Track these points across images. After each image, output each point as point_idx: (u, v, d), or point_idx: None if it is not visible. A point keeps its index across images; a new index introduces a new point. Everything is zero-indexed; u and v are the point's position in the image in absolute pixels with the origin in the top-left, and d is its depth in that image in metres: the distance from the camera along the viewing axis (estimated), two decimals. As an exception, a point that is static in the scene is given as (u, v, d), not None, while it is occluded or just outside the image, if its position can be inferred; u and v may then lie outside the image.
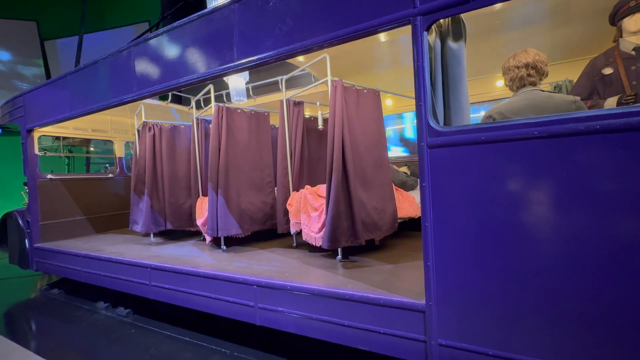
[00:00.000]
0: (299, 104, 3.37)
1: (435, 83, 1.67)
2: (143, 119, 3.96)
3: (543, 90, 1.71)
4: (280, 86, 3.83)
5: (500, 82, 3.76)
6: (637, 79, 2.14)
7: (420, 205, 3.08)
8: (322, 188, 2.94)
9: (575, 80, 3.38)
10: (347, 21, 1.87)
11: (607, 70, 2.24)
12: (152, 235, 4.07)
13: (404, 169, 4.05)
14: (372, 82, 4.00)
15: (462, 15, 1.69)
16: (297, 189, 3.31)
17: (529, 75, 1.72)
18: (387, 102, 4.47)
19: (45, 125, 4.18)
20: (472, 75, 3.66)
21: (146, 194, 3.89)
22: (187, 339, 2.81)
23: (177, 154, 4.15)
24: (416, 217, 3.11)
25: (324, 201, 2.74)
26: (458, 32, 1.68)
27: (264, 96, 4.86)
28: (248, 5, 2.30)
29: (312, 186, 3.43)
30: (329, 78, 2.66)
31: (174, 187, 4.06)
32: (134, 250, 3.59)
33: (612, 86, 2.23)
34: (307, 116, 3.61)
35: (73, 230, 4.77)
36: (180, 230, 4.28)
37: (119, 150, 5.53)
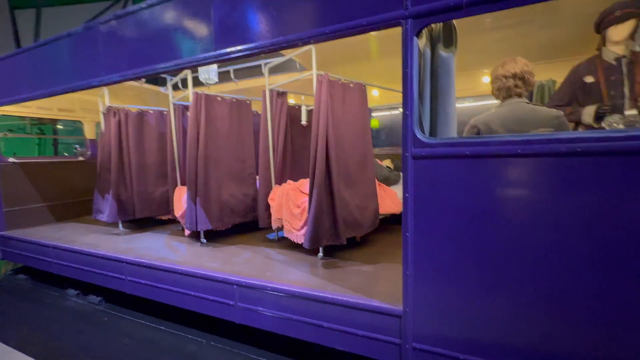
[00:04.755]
0: (282, 95, 3.24)
1: (424, 92, 1.63)
2: (107, 104, 3.70)
3: (528, 103, 1.71)
4: (263, 70, 3.65)
5: (486, 79, 3.75)
6: (616, 89, 2.18)
7: (401, 202, 3.12)
8: (304, 184, 2.90)
9: (557, 81, 3.44)
10: (334, 18, 1.76)
11: (589, 79, 2.27)
12: (120, 224, 3.94)
13: (387, 162, 4.05)
14: (360, 72, 3.90)
15: (454, 21, 1.63)
16: (279, 182, 3.25)
17: (515, 86, 1.71)
18: (374, 93, 4.39)
19: (3, 105, 3.83)
20: (460, 70, 3.63)
21: (112, 183, 3.72)
22: (163, 327, 2.79)
23: (145, 141, 3.97)
24: (397, 213, 3.16)
25: (306, 198, 2.71)
26: (449, 39, 1.62)
27: (247, 80, 4.64)
28: (228, -11, 2.12)
29: (295, 179, 3.38)
30: (314, 72, 2.54)
31: (142, 175, 3.92)
32: (108, 241, 3.46)
33: (592, 95, 2.26)
34: (291, 103, 3.48)
35: (42, 217, 4.53)
36: (150, 217, 4.15)
37: (89, 132, 5.20)
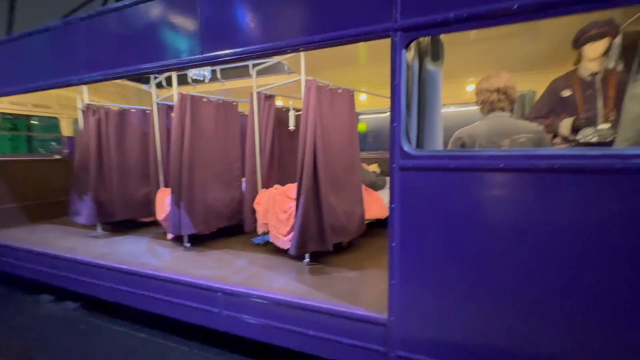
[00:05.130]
0: (270, 98, 3.22)
1: (411, 104, 1.65)
2: (86, 101, 3.56)
3: (511, 117, 1.76)
4: (250, 72, 3.60)
5: (470, 87, 3.85)
6: (590, 103, 2.29)
7: (387, 207, 3.15)
8: (291, 188, 2.89)
9: (537, 91, 3.57)
10: (324, 27, 1.76)
11: (566, 93, 2.37)
12: (99, 227, 3.80)
13: (373, 166, 4.09)
14: (348, 76, 3.92)
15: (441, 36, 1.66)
16: (266, 186, 3.23)
17: (499, 100, 1.77)
18: (362, 97, 4.42)
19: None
20: (445, 78, 3.72)
21: (91, 184, 3.59)
22: (144, 335, 2.71)
23: (127, 141, 3.86)
24: (383, 218, 3.20)
25: (293, 203, 2.70)
26: (436, 53, 1.65)
27: (234, 80, 4.58)
28: (216, -9, 2.07)
29: (282, 182, 3.37)
30: (302, 77, 2.54)
31: (123, 176, 3.82)
32: (86, 245, 3.33)
33: (569, 108, 2.37)
34: (278, 105, 3.45)
35: (15, 218, 4.30)
36: (131, 220, 4.02)
37: (67, 129, 4.98)
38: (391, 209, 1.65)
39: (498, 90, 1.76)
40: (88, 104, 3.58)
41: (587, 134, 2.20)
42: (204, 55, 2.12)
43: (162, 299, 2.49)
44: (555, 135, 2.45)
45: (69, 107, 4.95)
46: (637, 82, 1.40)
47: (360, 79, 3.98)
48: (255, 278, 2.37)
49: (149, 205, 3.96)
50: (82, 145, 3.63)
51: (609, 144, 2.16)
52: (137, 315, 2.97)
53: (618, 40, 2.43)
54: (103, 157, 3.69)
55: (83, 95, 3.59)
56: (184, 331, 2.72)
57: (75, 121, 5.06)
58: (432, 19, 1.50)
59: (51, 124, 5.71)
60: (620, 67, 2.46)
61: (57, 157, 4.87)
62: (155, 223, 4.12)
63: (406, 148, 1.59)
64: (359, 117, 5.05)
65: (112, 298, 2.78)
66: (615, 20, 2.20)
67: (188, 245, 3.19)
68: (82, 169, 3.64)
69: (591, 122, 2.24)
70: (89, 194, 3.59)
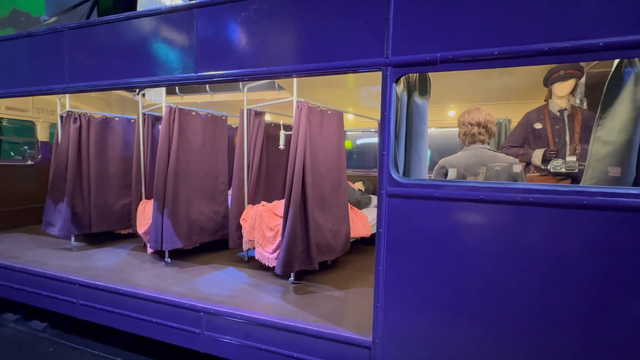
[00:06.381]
0: (260, 115, 3.25)
1: (399, 134, 1.74)
2: (68, 107, 3.45)
3: (490, 149, 1.89)
4: (240, 87, 3.62)
5: (452, 112, 4.07)
6: (560, 137, 2.50)
7: (372, 225, 3.22)
8: (278, 205, 2.90)
9: (512, 119, 3.82)
10: (319, 56, 1.83)
11: (538, 125, 2.57)
12: (73, 238, 3.63)
13: (358, 184, 4.18)
14: (337, 96, 4.03)
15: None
16: (252, 201, 3.22)
17: (479, 133, 1.90)
18: (349, 117, 4.54)
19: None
20: (431, 104, 3.91)
21: (67, 194, 3.44)
22: (119, 359, 2.59)
23: (108, 150, 3.75)
24: (367, 237, 3.26)
25: (280, 220, 2.72)
26: (424, 89, 1.77)
27: (223, 93, 4.58)
28: (212, 13, 2.11)
29: (268, 198, 3.37)
30: (294, 98, 2.60)
31: (101, 186, 3.69)
32: (57, 258, 3.16)
33: (541, 140, 2.57)
34: (267, 120, 3.48)
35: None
36: (108, 231, 3.87)
37: (43, 134, 4.77)
38: (378, 234, 1.71)
39: (479, 124, 1.89)
40: (69, 111, 3.46)
41: (557, 165, 2.39)
42: (198, 74, 2.14)
43: (139, 318, 2.39)
44: (528, 165, 2.64)
45: (47, 111, 4.76)
46: (600, 126, 1.56)
47: (348, 98, 4.10)
48: (239, 297, 2.35)
49: (128, 216, 3.83)
50: (61, 153, 3.49)
51: (576, 174, 2.36)
52: (111, 336, 2.84)
53: (583, 80, 2.68)
54: (82, 166, 3.55)
55: (65, 100, 3.47)
56: (162, 353, 2.62)
57: (53, 126, 4.86)
58: (420, 58, 1.61)
59: (24, 127, 5.44)
60: (585, 105, 2.71)
61: (30, 162, 4.63)
62: (134, 235, 3.98)
63: (394, 176, 1.67)
64: (345, 134, 5.17)
65: (84, 317, 2.64)
66: (580, 62, 2.43)
67: (169, 260, 3.10)
68: (58, 178, 3.49)
69: (560, 154, 2.44)
70: (64, 203, 3.43)
